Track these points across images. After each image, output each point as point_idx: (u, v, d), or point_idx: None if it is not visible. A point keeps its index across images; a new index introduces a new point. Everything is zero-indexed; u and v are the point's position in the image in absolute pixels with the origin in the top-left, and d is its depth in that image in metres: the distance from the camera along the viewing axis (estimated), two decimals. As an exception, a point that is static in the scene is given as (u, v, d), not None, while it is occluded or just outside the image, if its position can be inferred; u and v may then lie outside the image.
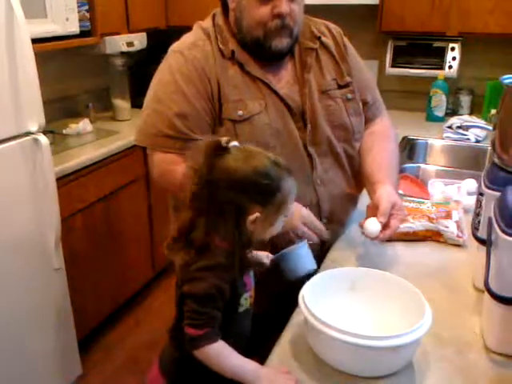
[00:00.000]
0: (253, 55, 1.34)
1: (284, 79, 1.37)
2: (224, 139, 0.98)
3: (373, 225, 1.24)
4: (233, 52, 1.31)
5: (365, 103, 1.47)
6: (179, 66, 1.29)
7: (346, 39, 1.48)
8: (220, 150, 0.97)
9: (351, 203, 1.51)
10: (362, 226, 1.26)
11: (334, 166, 1.42)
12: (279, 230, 1.06)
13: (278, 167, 1.00)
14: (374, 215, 1.24)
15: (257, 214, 0.98)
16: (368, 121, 1.49)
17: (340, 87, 1.41)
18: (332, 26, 1.48)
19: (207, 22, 1.37)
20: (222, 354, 0.97)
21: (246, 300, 1.05)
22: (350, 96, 1.42)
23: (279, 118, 1.33)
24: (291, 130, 1.34)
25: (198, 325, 0.97)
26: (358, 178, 1.47)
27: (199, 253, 1.00)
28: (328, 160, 1.40)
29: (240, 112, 1.29)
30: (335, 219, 1.44)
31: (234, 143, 0.99)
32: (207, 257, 0.99)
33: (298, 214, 1.27)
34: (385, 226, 1.24)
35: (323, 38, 1.42)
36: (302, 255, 1.28)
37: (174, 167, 1.28)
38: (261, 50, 1.32)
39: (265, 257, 1.23)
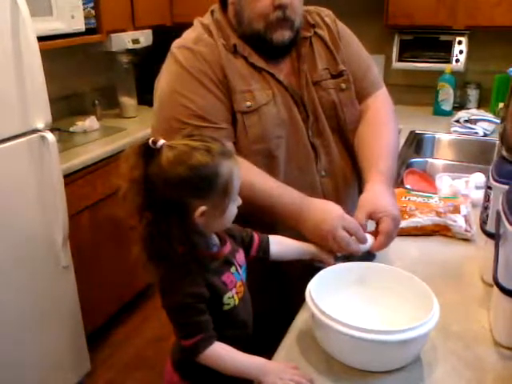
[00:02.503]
0: (254, 49, 1.33)
1: (284, 71, 1.35)
2: (151, 140, 0.96)
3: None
4: (235, 46, 1.31)
5: (354, 82, 1.43)
6: (189, 59, 1.28)
7: (339, 23, 1.45)
8: (150, 152, 0.95)
9: (357, 196, 1.50)
10: None
11: (338, 158, 1.41)
12: (234, 216, 1.03)
13: (211, 154, 0.96)
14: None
15: (202, 208, 0.96)
16: (360, 100, 1.45)
17: (333, 77, 1.39)
18: (324, 13, 1.45)
19: (207, 18, 1.36)
20: (222, 354, 0.97)
21: (231, 298, 1.03)
22: (343, 86, 1.40)
23: (286, 108, 1.33)
24: (297, 121, 1.33)
25: (187, 335, 0.97)
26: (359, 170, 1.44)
27: (163, 264, 0.99)
28: (332, 151, 1.40)
29: (248, 103, 1.28)
30: None
31: (162, 141, 0.96)
32: (172, 266, 0.98)
33: (336, 214, 1.18)
34: (376, 233, 1.19)
35: (318, 30, 1.41)
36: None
37: None
38: (262, 43, 1.31)
39: (331, 259, 1.21)
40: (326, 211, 1.19)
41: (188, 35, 1.35)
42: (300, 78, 1.36)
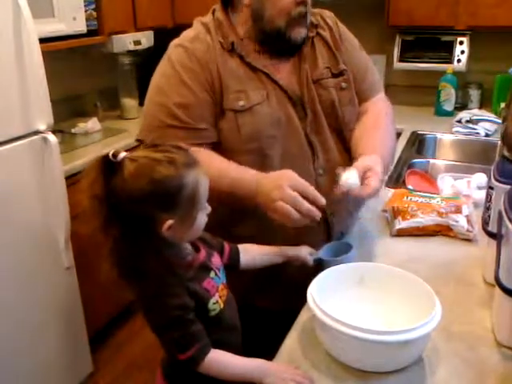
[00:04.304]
0: (268, 47, 1.33)
1: (284, 70, 1.36)
2: (111, 152, 0.94)
3: (354, 177, 1.15)
4: (232, 44, 1.31)
5: (354, 84, 1.44)
6: (180, 58, 1.29)
7: (340, 25, 1.46)
8: (111, 165, 0.93)
9: (345, 211, 1.45)
10: (337, 174, 1.17)
11: (336, 156, 1.40)
12: (204, 224, 1.01)
13: (174, 166, 0.93)
14: None
15: (169, 222, 0.94)
16: (358, 102, 1.45)
17: (334, 76, 1.39)
18: (326, 14, 1.46)
19: (207, 17, 1.37)
20: (222, 360, 0.97)
21: (216, 303, 1.02)
22: (344, 85, 1.40)
23: (280, 107, 1.32)
24: (292, 120, 1.33)
25: (182, 349, 0.96)
26: None
27: (140, 280, 0.97)
28: (330, 149, 1.38)
29: (241, 102, 1.28)
30: (338, 213, 1.39)
31: (122, 154, 0.94)
32: (148, 282, 0.96)
33: (286, 177, 1.14)
34: (364, 185, 1.17)
35: (320, 30, 1.41)
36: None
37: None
38: (280, 41, 1.32)
39: (305, 252, 1.21)
40: (277, 178, 1.16)
41: (186, 34, 1.36)
42: (300, 76, 1.36)
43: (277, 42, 1.33)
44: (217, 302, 1.03)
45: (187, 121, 1.26)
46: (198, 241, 1.06)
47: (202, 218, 1.00)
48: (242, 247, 1.19)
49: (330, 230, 1.37)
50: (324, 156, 1.37)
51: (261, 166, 1.28)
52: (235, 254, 1.17)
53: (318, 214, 1.11)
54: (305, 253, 1.21)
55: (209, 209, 1.02)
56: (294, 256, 1.21)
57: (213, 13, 1.38)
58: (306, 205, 1.10)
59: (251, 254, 1.19)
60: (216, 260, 1.09)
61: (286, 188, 1.11)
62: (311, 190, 1.13)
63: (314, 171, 1.36)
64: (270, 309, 1.29)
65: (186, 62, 1.28)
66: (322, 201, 1.12)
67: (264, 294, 1.23)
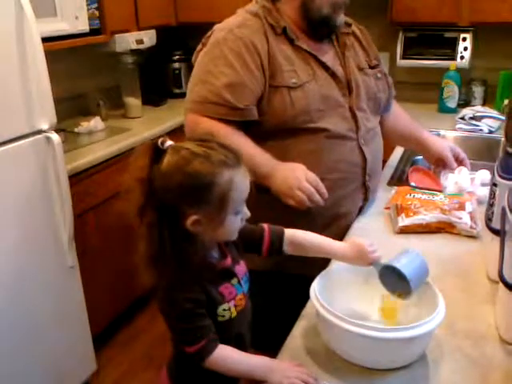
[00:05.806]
0: (311, 33, 1.48)
1: (327, 54, 1.51)
2: (160, 140, 0.95)
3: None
4: (284, 28, 1.44)
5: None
6: (228, 41, 1.40)
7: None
8: (158, 152, 0.95)
9: (379, 175, 1.67)
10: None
11: (372, 131, 1.56)
12: (236, 229, 1.00)
13: (210, 162, 0.93)
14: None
15: (194, 217, 0.94)
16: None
17: (370, 67, 1.59)
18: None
19: (252, 7, 1.49)
20: (228, 357, 0.97)
21: (227, 310, 1.01)
22: (379, 75, 1.61)
23: (326, 85, 1.47)
24: (337, 96, 1.48)
25: (191, 341, 0.96)
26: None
27: (160, 269, 0.97)
28: (368, 124, 1.53)
29: (294, 80, 1.41)
30: (372, 186, 1.57)
31: (169, 142, 0.96)
32: (167, 272, 0.97)
33: (300, 169, 1.34)
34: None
35: (354, 29, 1.60)
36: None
37: (216, 129, 1.36)
38: (324, 26, 1.47)
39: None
40: (292, 168, 1.34)
41: (231, 20, 1.47)
42: (345, 61, 1.52)
43: (322, 28, 1.48)
44: (229, 309, 1.02)
45: (229, 99, 1.37)
46: (226, 248, 1.05)
47: (233, 222, 0.98)
48: (290, 234, 1.12)
49: (367, 193, 1.55)
50: (365, 128, 1.52)
51: (311, 136, 1.42)
52: (276, 241, 1.11)
53: (322, 204, 1.33)
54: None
55: (247, 214, 1.00)
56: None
57: (256, 2, 1.51)
58: (319, 197, 1.31)
59: (298, 248, 1.12)
60: (241, 268, 1.07)
61: (303, 180, 1.31)
62: (321, 185, 1.33)
63: (358, 141, 1.49)
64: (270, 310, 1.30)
65: (233, 46, 1.40)
66: (326, 195, 1.33)
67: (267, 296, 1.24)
